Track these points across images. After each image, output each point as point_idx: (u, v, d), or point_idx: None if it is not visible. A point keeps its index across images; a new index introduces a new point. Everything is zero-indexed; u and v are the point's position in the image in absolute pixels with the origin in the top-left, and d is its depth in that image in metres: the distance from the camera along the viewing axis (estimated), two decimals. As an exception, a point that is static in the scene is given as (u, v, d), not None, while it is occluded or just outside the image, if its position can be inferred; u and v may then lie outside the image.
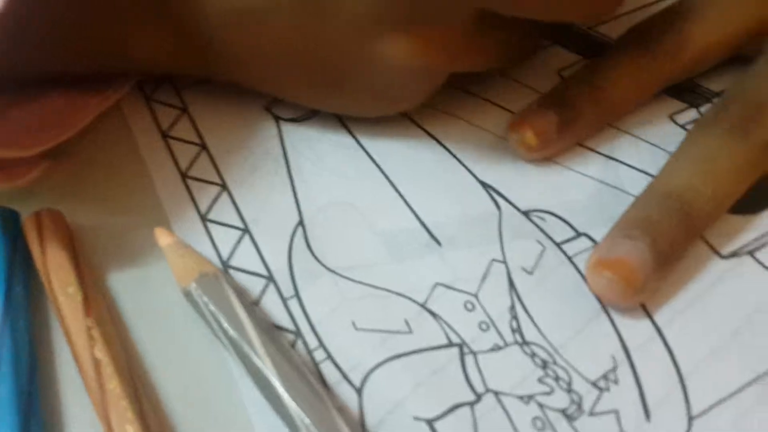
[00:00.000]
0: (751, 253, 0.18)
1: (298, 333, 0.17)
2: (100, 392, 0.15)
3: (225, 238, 0.19)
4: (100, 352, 0.16)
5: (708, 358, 0.16)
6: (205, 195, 0.20)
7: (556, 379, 0.16)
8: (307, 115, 0.21)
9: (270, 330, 0.17)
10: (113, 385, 0.15)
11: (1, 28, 0.15)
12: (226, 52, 0.19)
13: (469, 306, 0.17)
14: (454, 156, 0.21)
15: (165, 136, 0.21)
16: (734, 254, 0.18)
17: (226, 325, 0.16)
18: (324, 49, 0.18)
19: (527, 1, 0.18)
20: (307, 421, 0.15)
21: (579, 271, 0.18)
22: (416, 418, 0.15)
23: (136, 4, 0.19)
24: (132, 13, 0.19)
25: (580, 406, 0.16)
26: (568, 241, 0.19)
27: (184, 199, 0.20)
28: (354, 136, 0.21)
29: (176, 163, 0.20)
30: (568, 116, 0.20)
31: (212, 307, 0.16)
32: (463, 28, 0.18)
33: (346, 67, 0.19)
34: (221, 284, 0.17)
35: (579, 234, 0.19)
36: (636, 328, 0.17)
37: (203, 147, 0.21)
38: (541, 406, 0.16)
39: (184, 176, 0.20)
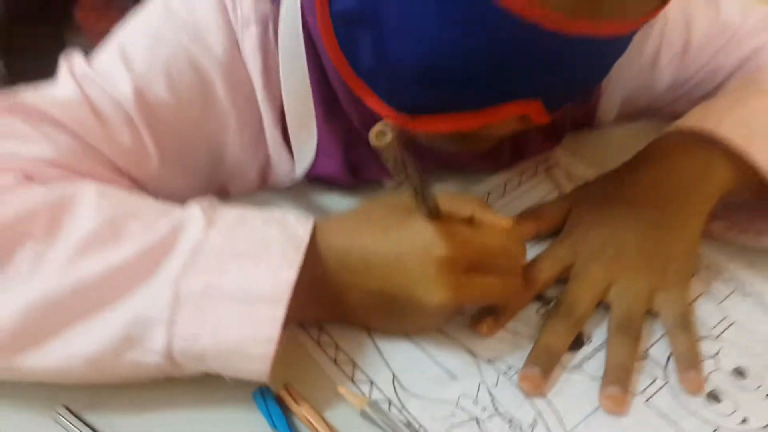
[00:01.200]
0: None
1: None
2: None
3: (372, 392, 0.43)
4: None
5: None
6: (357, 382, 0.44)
7: None
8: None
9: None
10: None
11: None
12: (352, 317, 0.45)
13: None
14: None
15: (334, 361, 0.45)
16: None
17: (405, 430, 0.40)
18: (397, 318, 0.44)
19: None
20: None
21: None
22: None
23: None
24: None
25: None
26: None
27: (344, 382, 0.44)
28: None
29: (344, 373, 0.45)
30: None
31: (384, 418, 0.40)
32: None
33: (410, 324, 0.45)
34: (380, 407, 0.41)
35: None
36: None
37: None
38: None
39: (333, 361, 0.44)
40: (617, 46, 0.43)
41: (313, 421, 0.41)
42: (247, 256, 0.40)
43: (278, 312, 0.39)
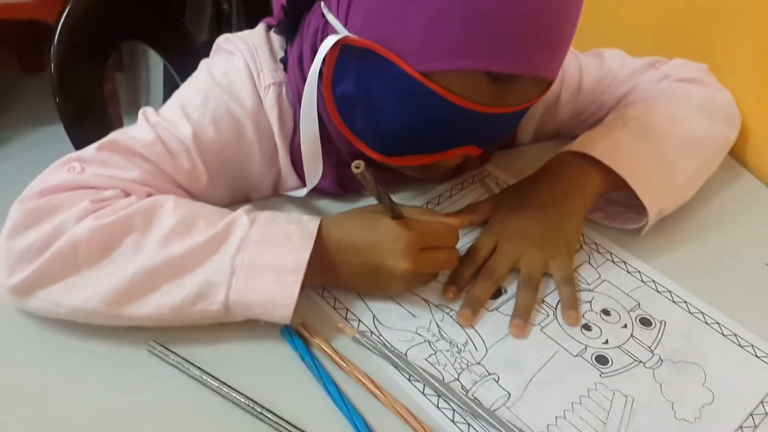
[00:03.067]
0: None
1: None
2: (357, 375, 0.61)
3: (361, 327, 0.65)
4: (356, 371, 0.60)
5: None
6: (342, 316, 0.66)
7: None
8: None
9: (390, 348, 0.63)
10: (362, 376, 0.61)
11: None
12: (345, 283, 0.66)
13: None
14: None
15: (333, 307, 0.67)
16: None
17: (382, 348, 0.62)
18: (377, 282, 0.65)
19: None
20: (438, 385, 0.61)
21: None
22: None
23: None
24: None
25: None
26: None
27: (341, 320, 0.66)
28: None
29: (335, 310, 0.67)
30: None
31: (369, 341, 0.62)
32: None
33: (385, 287, 0.66)
34: (365, 335, 0.63)
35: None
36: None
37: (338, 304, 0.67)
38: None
39: (333, 308, 0.66)
40: (524, 110, 0.65)
41: (322, 345, 0.62)
42: (277, 243, 0.60)
43: (298, 278, 0.59)
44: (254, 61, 0.72)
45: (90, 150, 0.66)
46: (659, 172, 0.75)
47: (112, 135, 0.68)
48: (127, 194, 0.64)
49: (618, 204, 0.79)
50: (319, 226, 0.63)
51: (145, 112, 0.70)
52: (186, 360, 0.60)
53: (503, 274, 0.70)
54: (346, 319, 0.66)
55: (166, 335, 0.61)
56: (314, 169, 0.70)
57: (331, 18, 0.64)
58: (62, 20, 0.91)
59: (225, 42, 0.75)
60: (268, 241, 0.60)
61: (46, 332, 0.62)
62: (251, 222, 0.62)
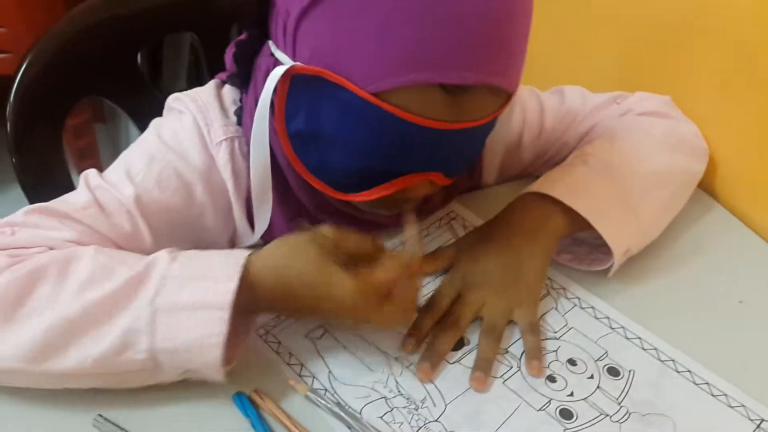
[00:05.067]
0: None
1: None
2: None
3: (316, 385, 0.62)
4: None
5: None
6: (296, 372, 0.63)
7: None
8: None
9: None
10: None
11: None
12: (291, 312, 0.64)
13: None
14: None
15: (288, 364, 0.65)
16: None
17: (330, 405, 0.60)
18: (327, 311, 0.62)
19: None
20: None
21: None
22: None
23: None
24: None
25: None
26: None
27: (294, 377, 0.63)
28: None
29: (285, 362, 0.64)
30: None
31: (321, 399, 0.60)
32: None
33: (332, 312, 0.62)
34: (318, 392, 0.60)
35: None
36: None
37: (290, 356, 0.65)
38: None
39: (287, 364, 0.64)
40: (485, 128, 0.62)
41: (273, 410, 0.60)
42: (199, 277, 0.56)
43: (224, 314, 0.54)
44: (203, 119, 0.71)
45: (19, 214, 0.64)
46: (622, 209, 0.73)
47: (49, 203, 0.66)
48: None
49: (584, 244, 0.76)
50: (252, 255, 0.59)
51: (86, 176, 0.68)
52: (131, 435, 0.57)
53: (466, 323, 0.68)
54: (300, 375, 0.63)
55: (113, 407, 0.59)
56: (263, 207, 0.68)
57: (279, 54, 0.62)
58: (18, 78, 0.90)
59: (174, 101, 0.74)
60: (188, 276, 0.57)
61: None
62: (172, 260, 0.58)
